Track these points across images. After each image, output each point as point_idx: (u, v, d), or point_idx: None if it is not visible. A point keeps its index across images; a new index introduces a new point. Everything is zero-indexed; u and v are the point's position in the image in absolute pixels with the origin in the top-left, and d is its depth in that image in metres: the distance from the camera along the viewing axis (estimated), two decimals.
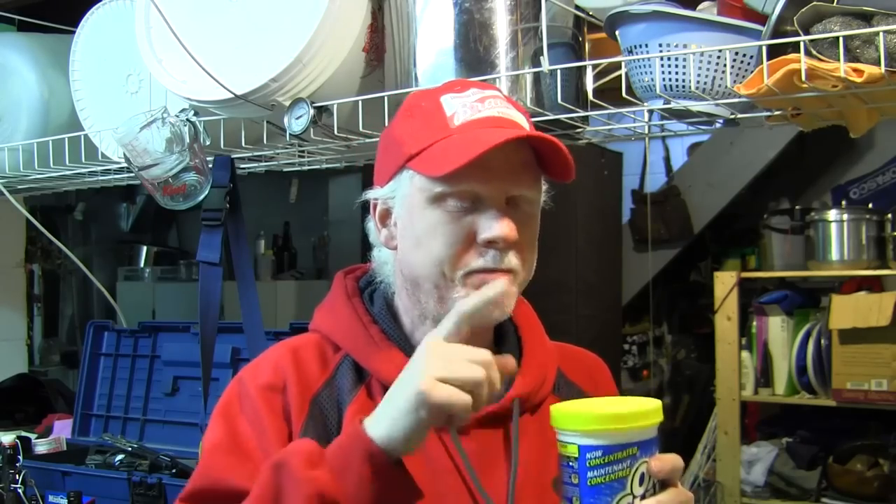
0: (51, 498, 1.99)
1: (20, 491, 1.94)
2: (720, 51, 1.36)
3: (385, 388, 1.08)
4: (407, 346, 1.11)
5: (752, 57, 1.35)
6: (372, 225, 1.14)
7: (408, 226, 1.07)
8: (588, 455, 0.91)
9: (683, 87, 1.39)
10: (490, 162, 1.01)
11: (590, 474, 0.91)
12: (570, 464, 0.92)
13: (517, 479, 1.07)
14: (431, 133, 1.05)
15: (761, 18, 1.33)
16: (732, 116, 1.47)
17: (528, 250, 1.08)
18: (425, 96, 1.10)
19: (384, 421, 0.93)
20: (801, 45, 1.24)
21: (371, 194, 1.13)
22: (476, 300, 0.97)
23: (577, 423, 0.92)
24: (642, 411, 0.93)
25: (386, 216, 1.11)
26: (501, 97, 1.09)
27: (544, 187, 1.11)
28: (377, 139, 1.12)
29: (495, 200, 1.04)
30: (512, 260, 1.05)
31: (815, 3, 1.23)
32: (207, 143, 1.73)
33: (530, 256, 1.08)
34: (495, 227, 1.02)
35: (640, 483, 0.92)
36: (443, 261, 1.04)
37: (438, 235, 1.04)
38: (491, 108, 1.06)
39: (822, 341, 3.22)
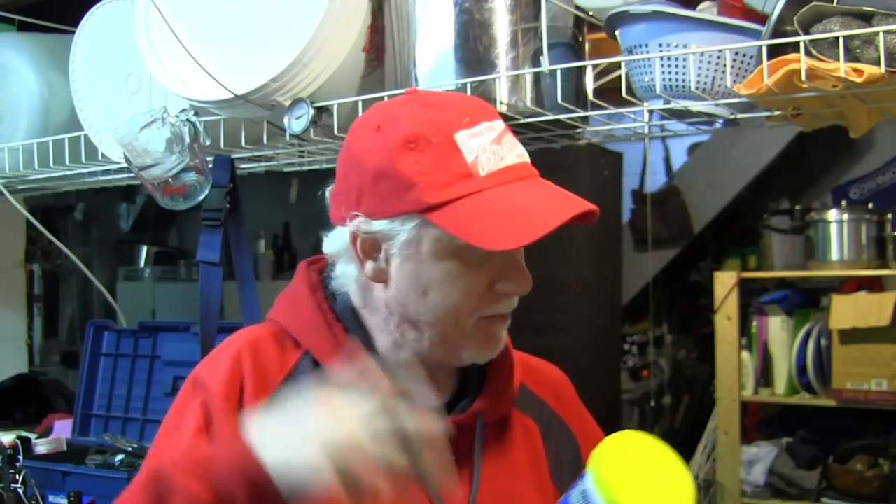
0: (51, 498, 1.99)
1: (20, 491, 1.94)
2: (720, 51, 1.36)
3: None
4: (371, 349, 1.07)
5: (752, 57, 1.35)
6: (335, 238, 1.07)
7: (411, 272, 1.01)
8: None
9: (683, 87, 1.39)
10: None
11: None
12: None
13: (479, 494, 1.06)
14: (454, 182, 0.97)
15: (761, 18, 1.33)
16: (732, 116, 1.47)
17: None
18: (434, 129, 0.99)
19: (279, 450, 0.84)
20: (801, 45, 1.24)
21: (356, 226, 1.02)
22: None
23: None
24: None
25: (374, 250, 1.03)
26: (505, 125, 1.04)
27: None
28: None
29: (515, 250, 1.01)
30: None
31: (815, 3, 1.23)
32: (207, 143, 1.73)
33: None
34: (522, 283, 1.01)
35: None
36: (458, 312, 1.01)
37: (455, 287, 1.00)
38: (508, 149, 1.01)
39: (822, 341, 3.22)
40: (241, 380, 1.04)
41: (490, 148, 0.99)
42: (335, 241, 1.08)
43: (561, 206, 0.99)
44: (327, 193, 1.11)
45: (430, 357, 1.06)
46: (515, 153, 1.02)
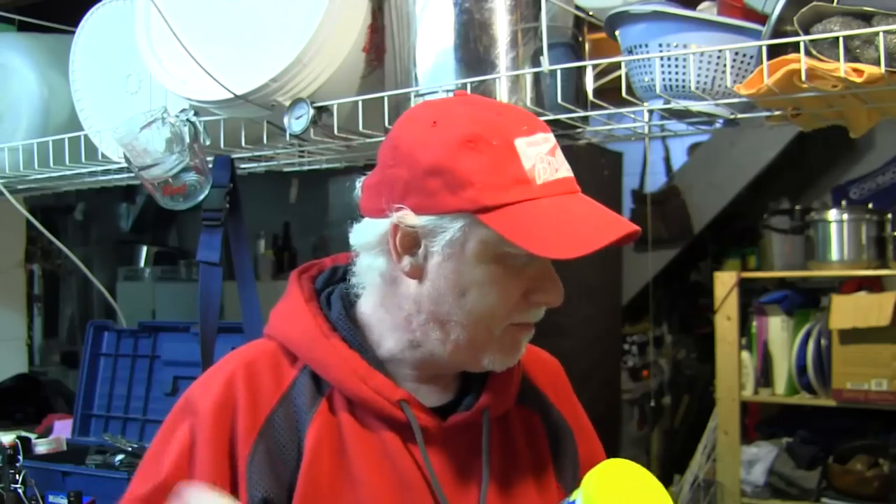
0: (51, 498, 1.99)
1: (20, 491, 1.93)
2: (720, 51, 1.36)
3: (348, 402, 1.05)
4: (370, 356, 1.06)
5: (752, 57, 1.35)
6: (366, 230, 1.05)
7: (451, 271, 0.99)
8: None
9: (683, 87, 1.39)
10: None
11: None
12: None
13: (489, 491, 1.06)
14: (511, 186, 0.97)
15: (761, 18, 1.33)
16: (732, 116, 1.47)
17: None
18: (494, 132, 0.98)
19: None
20: (801, 45, 1.24)
21: (398, 219, 1.00)
22: None
23: None
24: None
25: (413, 245, 1.01)
26: (555, 139, 1.05)
27: None
28: (377, 139, 1.09)
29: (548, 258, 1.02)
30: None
31: (815, 3, 1.23)
32: (207, 143, 1.73)
33: None
34: (555, 294, 1.02)
35: None
36: (493, 316, 1.01)
37: (493, 291, 0.99)
38: (560, 163, 1.02)
39: (822, 341, 3.22)
40: (234, 403, 1.03)
41: (546, 158, 0.99)
42: (365, 233, 1.05)
43: (610, 222, 1.01)
44: (357, 184, 1.08)
45: (448, 360, 1.05)
46: (565, 168, 1.02)
